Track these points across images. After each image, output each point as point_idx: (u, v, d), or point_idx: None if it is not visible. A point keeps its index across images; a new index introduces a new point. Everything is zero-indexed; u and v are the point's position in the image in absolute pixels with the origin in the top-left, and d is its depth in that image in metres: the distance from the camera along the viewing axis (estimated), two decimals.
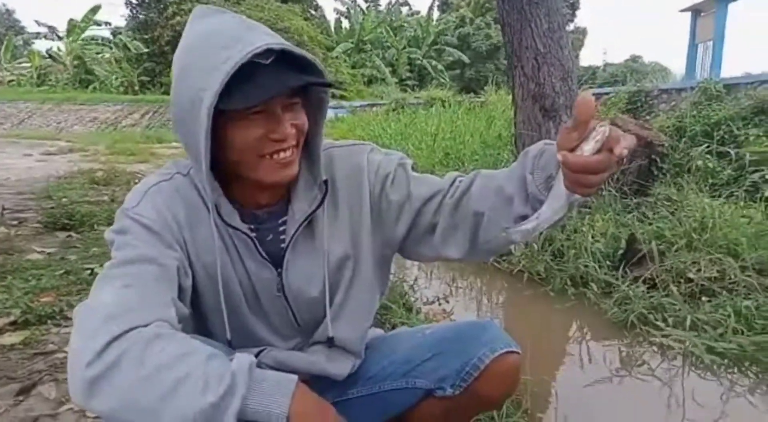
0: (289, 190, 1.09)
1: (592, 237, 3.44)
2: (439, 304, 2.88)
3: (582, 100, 0.80)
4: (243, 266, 1.08)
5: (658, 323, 2.54)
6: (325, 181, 1.08)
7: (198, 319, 1.10)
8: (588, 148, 0.81)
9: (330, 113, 11.25)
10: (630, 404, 2.12)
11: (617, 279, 3.01)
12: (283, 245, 1.09)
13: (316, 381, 1.11)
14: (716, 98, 5.96)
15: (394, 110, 9.94)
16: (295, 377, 0.87)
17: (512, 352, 1.17)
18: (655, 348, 2.48)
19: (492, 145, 4.96)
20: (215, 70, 0.89)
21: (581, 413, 2.01)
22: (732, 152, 4.59)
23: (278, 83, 0.92)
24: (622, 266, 3.14)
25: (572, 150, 0.82)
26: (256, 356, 1.10)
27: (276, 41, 0.92)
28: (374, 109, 12.65)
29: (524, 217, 0.96)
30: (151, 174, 1.10)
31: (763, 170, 4.26)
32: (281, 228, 1.09)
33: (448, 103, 9.65)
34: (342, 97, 20.56)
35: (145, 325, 0.84)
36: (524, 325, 2.96)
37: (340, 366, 1.17)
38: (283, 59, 0.93)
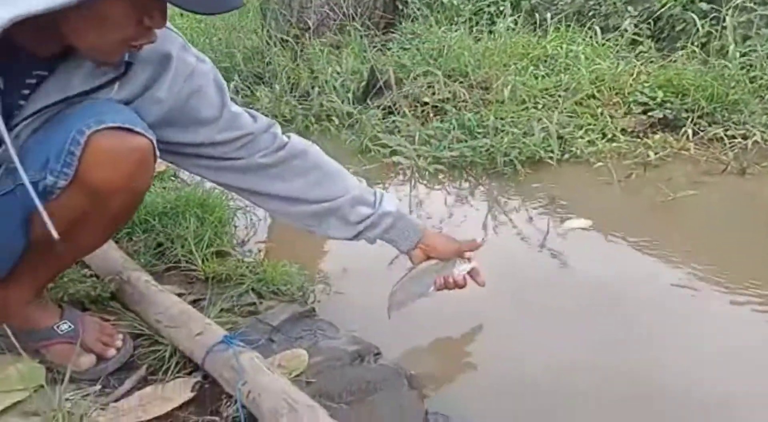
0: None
1: (337, 74, 3.28)
2: None
3: (476, 244, 1.35)
4: None
5: (390, 143, 2.50)
6: (128, 63, 0.99)
7: None
8: (462, 269, 1.31)
9: None
10: None
11: (359, 111, 2.91)
12: (22, 101, 0.95)
13: None
14: None
15: None
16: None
17: (135, 133, 0.97)
18: (388, 167, 2.45)
19: None
20: None
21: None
22: None
23: None
24: (365, 98, 3.05)
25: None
26: None
27: None
28: None
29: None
30: None
31: (497, 3, 4.42)
32: (29, 81, 0.95)
33: None
34: None
35: None
36: None
37: None
38: None
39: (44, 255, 1.07)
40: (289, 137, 1.25)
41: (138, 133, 0.97)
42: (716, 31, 2.96)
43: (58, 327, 1.14)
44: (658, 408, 1.15)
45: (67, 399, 1.00)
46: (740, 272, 1.60)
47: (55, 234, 0.89)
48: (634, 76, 2.89)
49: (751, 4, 2.95)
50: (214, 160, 1.17)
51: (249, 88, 3.38)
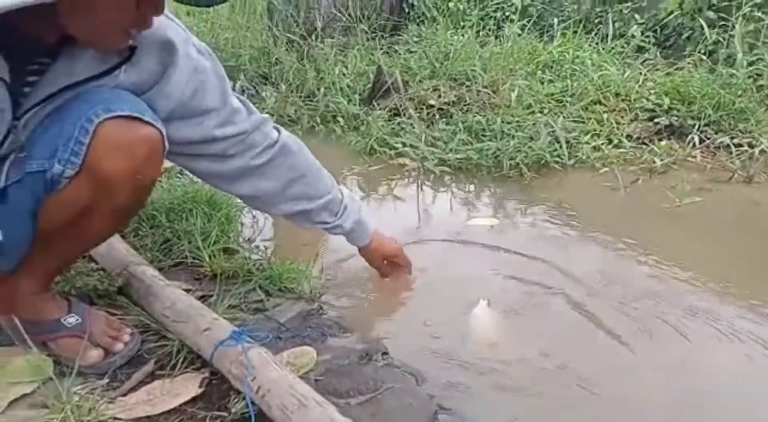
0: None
1: (343, 75, 3.28)
2: None
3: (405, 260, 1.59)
4: None
5: (397, 145, 2.50)
6: (132, 47, 0.98)
7: None
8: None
9: None
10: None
11: (364, 112, 2.92)
12: (27, 89, 0.94)
13: None
14: None
15: None
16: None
17: (144, 122, 0.97)
18: (393, 169, 2.44)
19: None
20: None
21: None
22: None
23: None
24: (371, 100, 3.06)
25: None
26: None
27: None
28: None
29: None
30: None
31: (503, 8, 4.42)
32: (32, 68, 0.94)
33: None
34: None
35: None
36: None
37: None
38: None
39: (53, 247, 1.07)
40: (279, 132, 1.28)
41: (147, 122, 0.97)
42: (723, 39, 2.97)
43: (65, 320, 1.13)
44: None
45: (74, 393, 0.99)
46: (745, 281, 1.59)
47: None
48: (641, 82, 2.90)
49: (759, 14, 2.95)
50: (209, 159, 1.19)
51: (254, 87, 3.38)
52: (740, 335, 1.39)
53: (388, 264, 1.56)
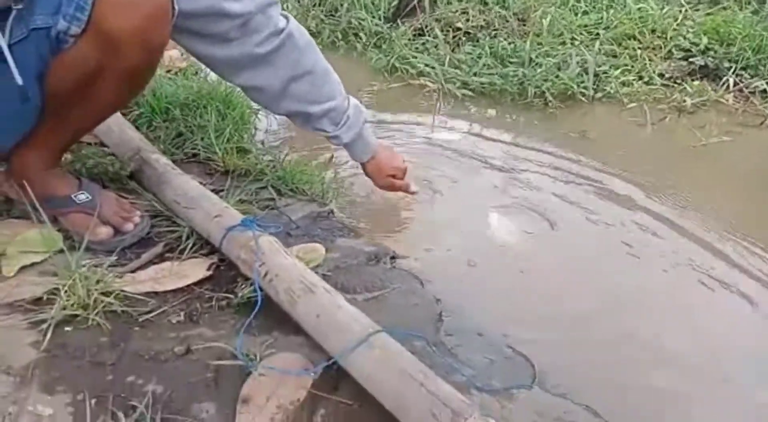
0: None
1: None
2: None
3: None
4: None
5: (419, 64, 2.42)
6: None
7: None
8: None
9: None
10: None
11: (388, 28, 2.81)
12: None
13: None
14: None
15: None
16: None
17: None
18: (414, 88, 2.37)
19: None
20: None
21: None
22: None
23: None
24: (395, 18, 2.94)
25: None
26: None
27: None
28: None
29: None
30: None
31: None
32: None
33: None
34: None
35: None
36: None
37: None
38: None
39: (61, 115, 1.04)
40: (287, 20, 1.20)
41: None
42: None
43: (76, 196, 1.12)
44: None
45: (83, 265, 0.99)
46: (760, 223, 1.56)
47: (19, 80, 0.89)
48: (679, 20, 2.76)
49: None
50: (210, 41, 1.14)
51: None
52: (748, 272, 1.37)
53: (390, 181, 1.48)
